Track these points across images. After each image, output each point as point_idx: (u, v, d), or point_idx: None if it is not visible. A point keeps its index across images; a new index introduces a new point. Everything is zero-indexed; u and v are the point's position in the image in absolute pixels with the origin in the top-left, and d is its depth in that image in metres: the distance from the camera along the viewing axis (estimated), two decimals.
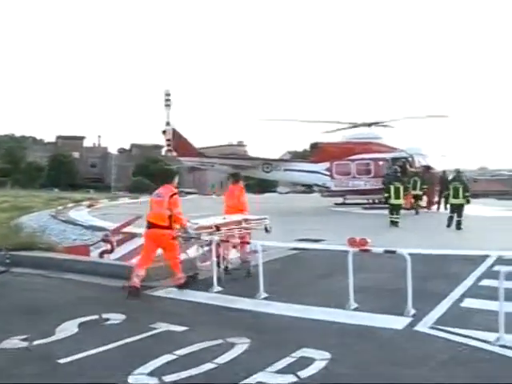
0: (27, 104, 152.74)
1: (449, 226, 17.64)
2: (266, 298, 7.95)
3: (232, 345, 5.71)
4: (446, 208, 25.71)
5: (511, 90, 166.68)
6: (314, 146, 30.55)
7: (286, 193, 57.24)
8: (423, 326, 6.42)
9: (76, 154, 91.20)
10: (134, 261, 9.84)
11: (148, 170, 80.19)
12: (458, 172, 19.14)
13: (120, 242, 16.81)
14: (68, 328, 6.42)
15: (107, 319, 6.88)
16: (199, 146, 36.14)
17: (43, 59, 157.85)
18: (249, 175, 35.60)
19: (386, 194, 19.38)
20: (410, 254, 6.94)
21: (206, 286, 8.67)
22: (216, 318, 7.09)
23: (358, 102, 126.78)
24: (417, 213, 24.42)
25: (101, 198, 41.21)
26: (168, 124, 31.10)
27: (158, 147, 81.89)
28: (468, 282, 8.80)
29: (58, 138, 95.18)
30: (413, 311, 6.90)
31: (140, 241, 17.02)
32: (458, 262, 10.73)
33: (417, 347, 5.75)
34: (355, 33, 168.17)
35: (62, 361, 5.30)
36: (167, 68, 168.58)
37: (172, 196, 8.57)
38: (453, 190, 17.94)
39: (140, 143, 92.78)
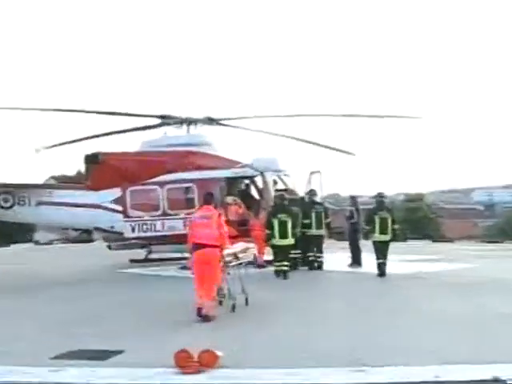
0: None
1: (381, 275, 13.77)
2: None
3: None
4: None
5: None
6: (93, 159, 17.56)
7: (49, 243, 37.00)
8: None
9: None
10: None
11: None
12: (380, 197, 14.48)
13: None
14: None
15: None
16: None
17: None
18: None
19: (268, 232, 14.32)
20: None
21: None
22: None
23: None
24: None
25: None
26: None
27: None
28: None
29: None
30: None
31: None
32: None
33: None
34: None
35: None
36: None
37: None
38: (380, 222, 13.75)
39: None
